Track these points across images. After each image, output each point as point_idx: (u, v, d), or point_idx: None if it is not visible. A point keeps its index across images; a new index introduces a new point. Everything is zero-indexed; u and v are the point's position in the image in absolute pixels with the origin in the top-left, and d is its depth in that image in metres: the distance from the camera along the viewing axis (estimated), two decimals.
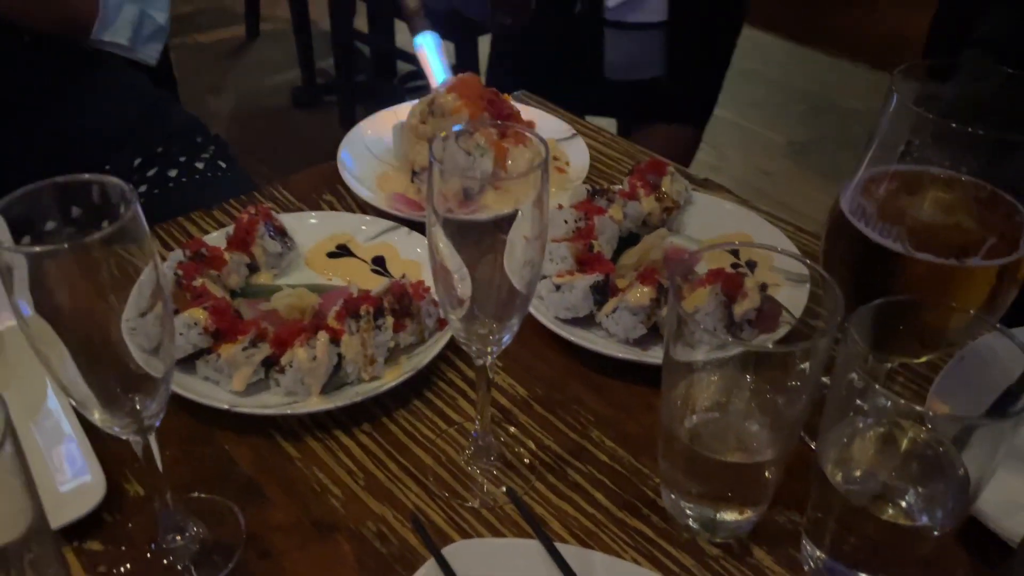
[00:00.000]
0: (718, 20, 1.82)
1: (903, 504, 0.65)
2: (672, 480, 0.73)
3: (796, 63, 3.86)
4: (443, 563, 0.66)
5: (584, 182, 1.10)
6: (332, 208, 1.11)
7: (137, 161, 1.39)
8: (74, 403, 0.60)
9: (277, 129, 3.43)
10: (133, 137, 1.39)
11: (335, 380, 0.82)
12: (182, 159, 1.41)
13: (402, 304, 0.86)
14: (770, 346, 0.77)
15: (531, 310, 0.86)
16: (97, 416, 0.60)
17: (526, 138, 0.69)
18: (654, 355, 0.86)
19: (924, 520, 0.65)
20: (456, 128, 0.74)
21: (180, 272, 0.88)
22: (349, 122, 2.39)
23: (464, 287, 0.66)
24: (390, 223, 1.03)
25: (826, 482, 0.64)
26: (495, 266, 0.65)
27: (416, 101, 1.15)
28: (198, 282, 0.87)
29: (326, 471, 0.78)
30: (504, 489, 0.76)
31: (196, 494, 0.75)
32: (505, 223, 0.63)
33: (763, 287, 0.86)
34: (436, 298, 0.79)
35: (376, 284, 0.88)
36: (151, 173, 1.38)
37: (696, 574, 0.70)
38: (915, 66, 0.70)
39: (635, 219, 1.01)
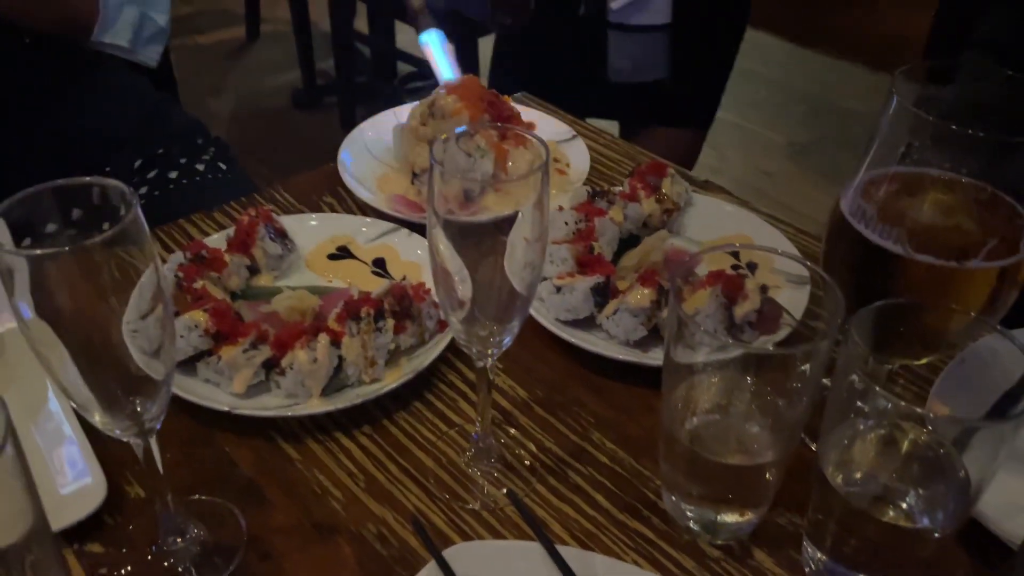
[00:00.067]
0: (721, 23, 1.82)
1: (904, 506, 0.65)
2: (673, 482, 0.73)
3: (796, 64, 3.86)
4: (444, 565, 0.66)
5: (584, 184, 1.10)
6: (332, 210, 1.11)
7: (138, 163, 1.39)
8: (75, 405, 0.60)
9: (277, 130, 3.43)
10: (133, 139, 1.39)
11: (336, 382, 0.82)
12: (182, 161, 1.41)
13: (403, 306, 0.86)
14: (771, 348, 0.77)
15: (531, 312, 0.86)
16: (98, 418, 0.60)
17: (526, 140, 0.69)
18: (655, 357, 0.86)
19: (925, 522, 0.65)
20: (458, 130, 0.74)
21: (181, 274, 0.88)
22: (349, 123, 2.39)
23: (465, 289, 0.66)
24: (390, 225, 1.03)
25: (827, 484, 0.64)
26: (496, 268, 0.65)
27: (416, 103, 1.15)
28: (199, 284, 0.87)
29: (327, 473, 0.78)
30: (505, 491, 0.76)
31: (197, 496, 0.75)
32: (505, 225, 0.63)
33: (764, 289, 0.86)
34: (436, 300, 0.79)
35: (377, 286, 0.88)
36: (151, 175, 1.38)
37: None
38: (915, 68, 0.70)
39: (635, 221, 1.01)
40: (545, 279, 0.90)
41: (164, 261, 0.92)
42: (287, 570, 0.70)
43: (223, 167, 1.44)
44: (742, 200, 1.10)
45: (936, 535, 0.64)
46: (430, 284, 0.88)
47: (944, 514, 0.64)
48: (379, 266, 0.99)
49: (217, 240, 0.97)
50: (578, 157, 1.18)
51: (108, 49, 1.32)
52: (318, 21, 3.46)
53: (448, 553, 0.67)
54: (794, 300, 0.88)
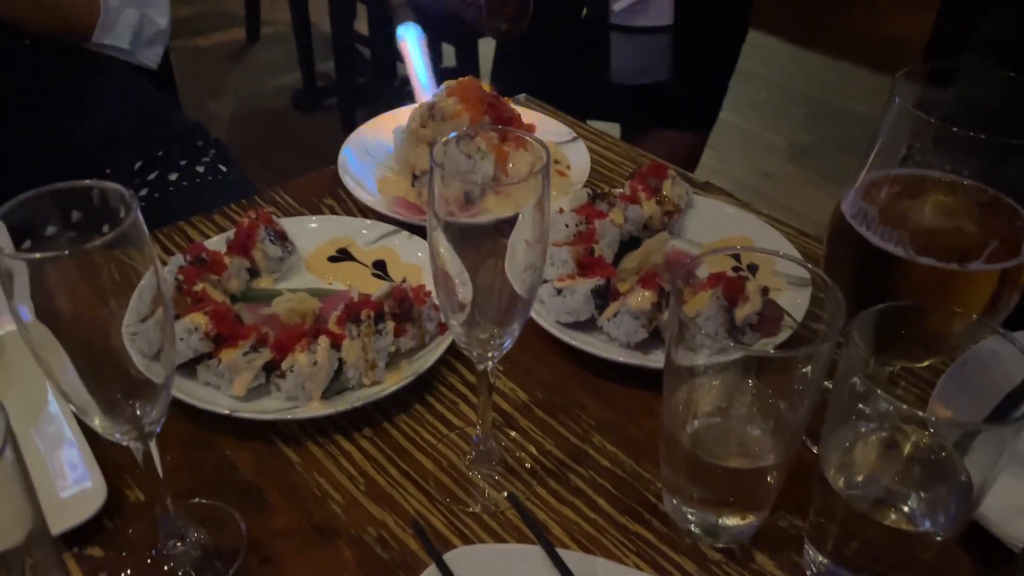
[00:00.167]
0: (724, 24, 1.82)
1: (905, 509, 0.65)
2: (674, 485, 0.73)
3: (797, 65, 3.86)
4: (444, 569, 0.66)
5: (585, 186, 1.10)
6: (333, 212, 1.11)
7: (138, 164, 1.39)
8: (74, 409, 0.60)
9: (277, 132, 3.43)
10: (134, 140, 1.39)
11: (336, 385, 0.82)
12: (183, 163, 1.41)
13: (403, 308, 0.85)
14: (772, 351, 0.76)
15: (532, 314, 0.86)
16: (98, 422, 0.60)
17: (527, 142, 0.69)
18: (655, 359, 0.86)
19: (927, 525, 0.65)
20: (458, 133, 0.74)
21: (181, 277, 0.87)
22: (349, 125, 2.39)
23: (465, 292, 0.66)
24: (391, 227, 1.03)
25: (828, 487, 0.64)
26: (496, 270, 0.65)
27: (417, 104, 1.15)
28: (199, 287, 0.87)
29: (327, 476, 0.78)
30: (505, 494, 0.76)
31: (197, 500, 0.75)
32: (506, 227, 0.63)
33: (764, 291, 0.86)
34: (437, 302, 0.79)
35: (377, 288, 0.88)
36: (152, 177, 1.38)
37: None
38: (916, 70, 0.70)
39: (636, 223, 1.01)
40: (546, 281, 0.90)
41: (164, 264, 0.92)
42: (287, 573, 0.70)
43: (223, 169, 1.44)
44: (743, 202, 1.10)
45: (938, 538, 0.63)
46: (430, 286, 0.87)
47: (946, 517, 0.64)
48: (379, 268, 0.99)
49: (217, 242, 0.97)
50: (578, 159, 1.18)
51: (108, 51, 1.32)
52: (318, 23, 3.46)
53: (449, 556, 0.67)
54: (795, 302, 0.88)
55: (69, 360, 0.56)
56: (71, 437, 0.77)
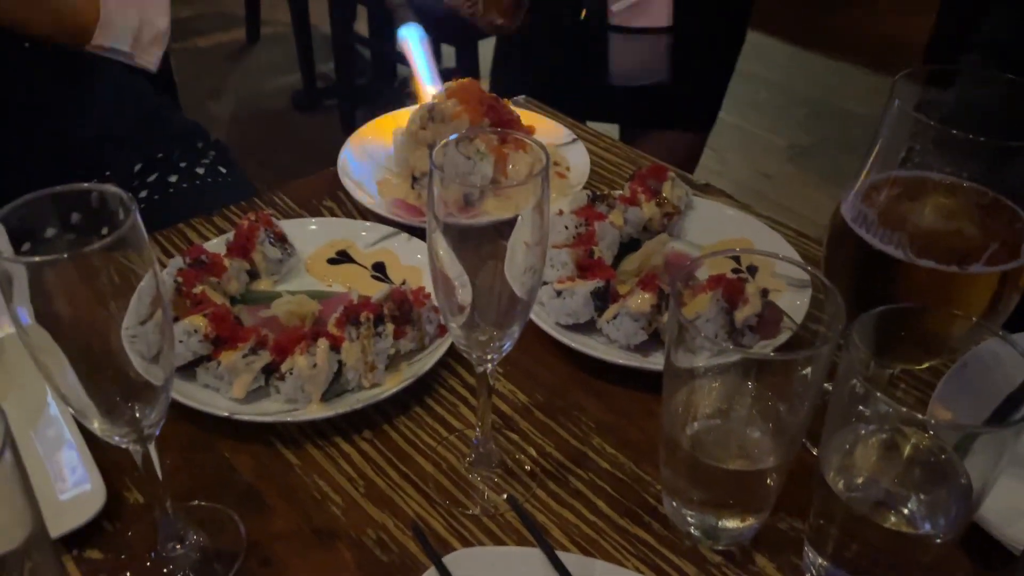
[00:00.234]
0: (723, 25, 1.82)
1: (905, 511, 0.65)
2: (674, 487, 0.72)
3: (797, 66, 3.86)
4: (444, 571, 0.66)
5: (584, 187, 1.10)
6: (332, 214, 1.10)
7: (138, 166, 1.39)
8: (74, 412, 0.60)
9: (277, 133, 3.43)
10: (133, 142, 1.39)
11: (335, 387, 0.82)
12: (182, 164, 1.41)
13: (402, 311, 0.85)
14: (771, 353, 0.76)
15: (532, 316, 0.86)
16: (97, 425, 0.60)
17: (526, 144, 0.69)
18: (655, 361, 0.86)
19: (927, 527, 0.65)
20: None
21: (180, 279, 0.87)
22: (349, 126, 2.39)
23: (464, 294, 0.66)
24: (390, 229, 1.03)
25: (828, 489, 0.64)
26: (496, 273, 0.65)
27: (416, 106, 1.15)
28: (198, 289, 0.87)
29: (327, 478, 0.78)
30: (505, 496, 0.76)
31: (196, 502, 0.75)
32: (506, 229, 0.63)
33: (764, 293, 0.86)
34: (436, 304, 0.79)
35: (376, 290, 0.88)
36: (151, 178, 1.38)
37: None
38: (916, 72, 0.69)
39: (636, 225, 1.01)
40: (545, 283, 0.90)
41: (163, 266, 0.92)
42: None
43: (223, 171, 1.44)
44: (743, 204, 1.10)
45: (938, 540, 0.63)
46: (430, 288, 0.87)
47: (946, 519, 0.64)
48: (379, 270, 0.99)
49: (216, 244, 0.97)
50: (578, 161, 1.17)
51: (108, 53, 1.32)
52: (318, 23, 3.46)
53: (448, 559, 0.67)
54: (795, 304, 0.88)
55: (68, 363, 0.56)
56: (70, 440, 0.77)
